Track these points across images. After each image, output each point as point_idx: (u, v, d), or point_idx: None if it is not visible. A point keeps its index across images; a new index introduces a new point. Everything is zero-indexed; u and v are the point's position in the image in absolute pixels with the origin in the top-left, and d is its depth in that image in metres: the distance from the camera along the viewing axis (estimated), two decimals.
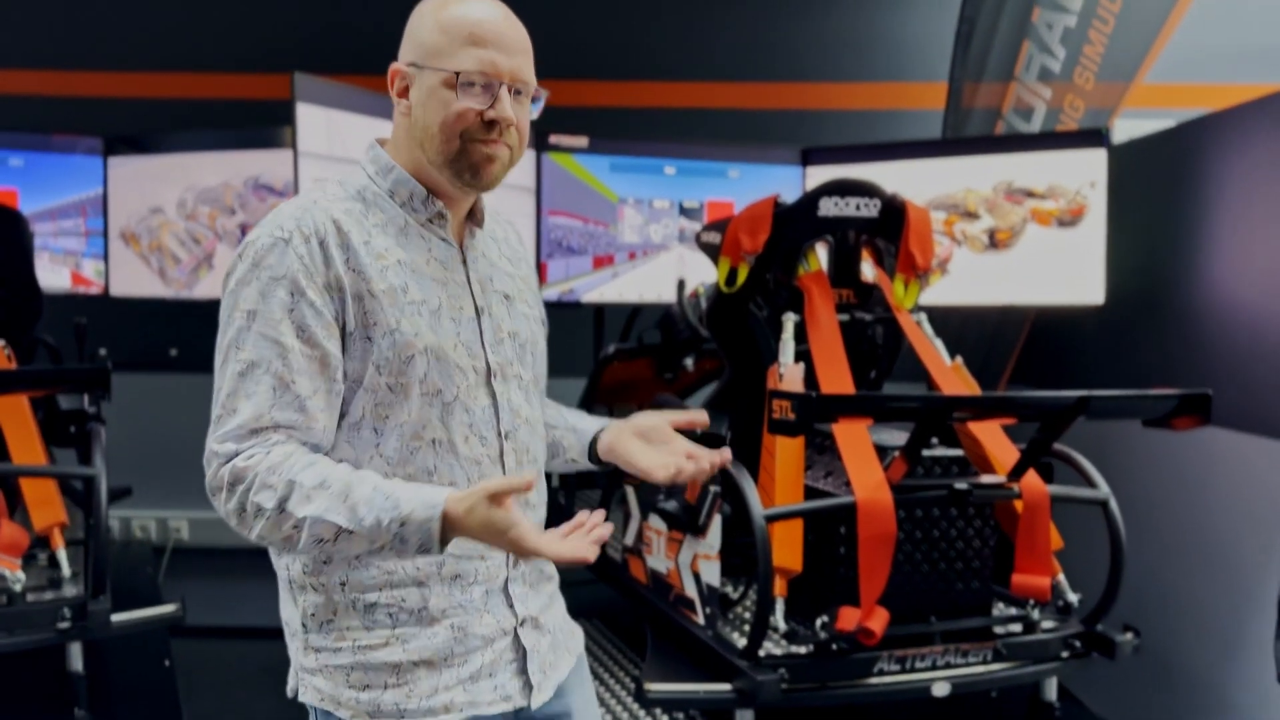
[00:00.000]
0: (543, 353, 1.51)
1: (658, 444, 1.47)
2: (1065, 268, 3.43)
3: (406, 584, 1.33)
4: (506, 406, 1.39)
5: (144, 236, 3.75)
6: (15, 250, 2.81)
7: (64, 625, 2.37)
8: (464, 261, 1.40)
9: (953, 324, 3.85)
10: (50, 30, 4.33)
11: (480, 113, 1.31)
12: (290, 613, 1.40)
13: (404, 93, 1.35)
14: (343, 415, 1.32)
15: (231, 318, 1.29)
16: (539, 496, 1.47)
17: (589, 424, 1.58)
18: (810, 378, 2.42)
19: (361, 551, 1.25)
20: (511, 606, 1.39)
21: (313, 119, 2.96)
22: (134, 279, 3.79)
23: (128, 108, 4.30)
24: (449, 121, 1.31)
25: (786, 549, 2.19)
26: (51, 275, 3.74)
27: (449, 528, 1.21)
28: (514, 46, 1.33)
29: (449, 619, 1.35)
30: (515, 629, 1.40)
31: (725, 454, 1.46)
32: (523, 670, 1.39)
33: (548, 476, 1.77)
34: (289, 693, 1.42)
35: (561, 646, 1.49)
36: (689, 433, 1.52)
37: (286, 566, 1.39)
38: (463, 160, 1.32)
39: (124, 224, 3.78)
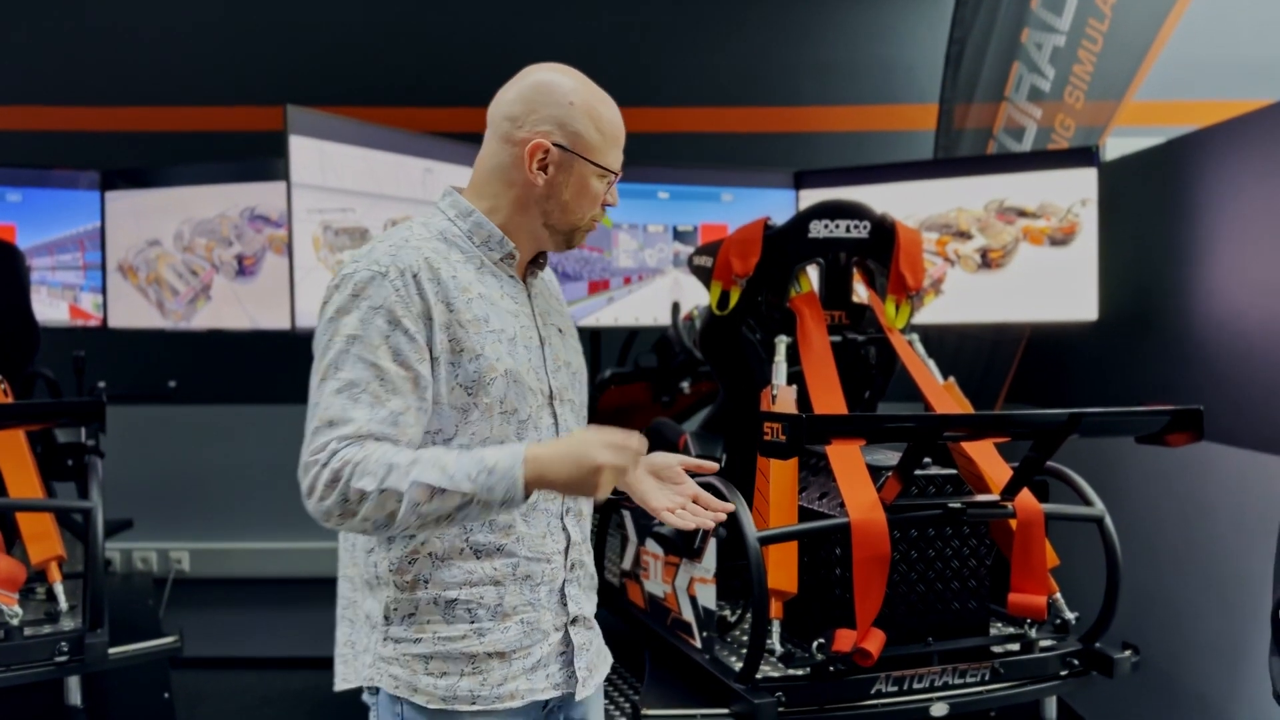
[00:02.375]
0: (585, 384, 1.69)
1: (668, 483, 1.60)
2: (1058, 285, 3.44)
3: (485, 583, 1.49)
4: (565, 426, 1.57)
5: (142, 269, 3.77)
6: (11, 285, 2.82)
7: (61, 659, 2.37)
8: (529, 296, 1.58)
9: (949, 344, 3.86)
10: (46, 66, 4.38)
11: (604, 199, 1.56)
12: (372, 606, 1.54)
13: (544, 167, 1.51)
14: (429, 433, 1.47)
15: (332, 342, 1.43)
16: (587, 507, 1.63)
17: None
18: (803, 399, 2.42)
19: (453, 510, 1.37)
20: (565, 605, 1.55)
21: (305, 150, 2.99)
22: (132, 311, 3.81)
23: (124, 142, 4.33)
24: (587, 204, 1.54)
25: (782, 571, 2.19)
26: (50, 309, 3.76)
27: (531, 473, 1.36)
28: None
29: (519, 615, 1.51)
30: (567, 625, 1.55)
31: (713, 467, 1.61)
32: (569, 663, 1.55)
33: None
34: (342, 685, 1.54)
35: (602, 652, 1.65)
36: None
37: (375, 564, 1.53)
38: (576, 234, 1.57)
39: (122, 257, 3.80)
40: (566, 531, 1.56)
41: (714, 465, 1.62)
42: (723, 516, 1.56)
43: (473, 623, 1.49)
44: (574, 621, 1.56)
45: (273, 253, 3.53)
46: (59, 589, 2.49)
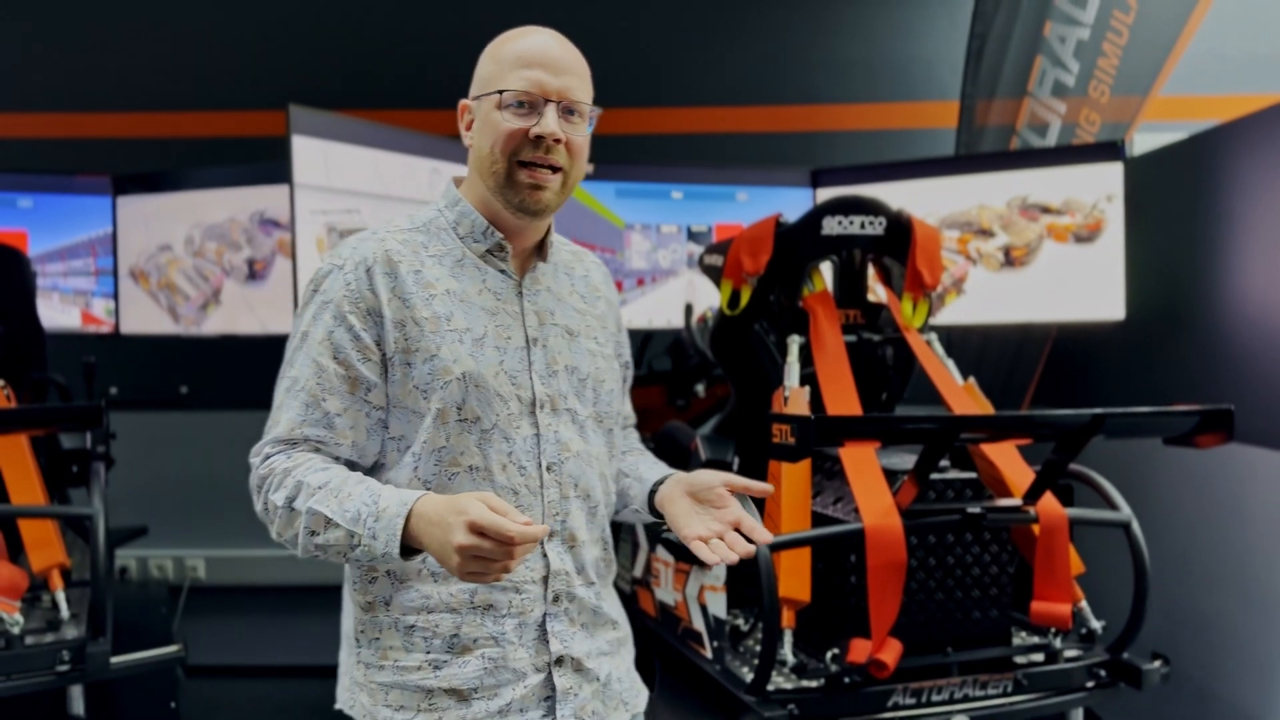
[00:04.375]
0: (611, 392, 1.49)
1: (707, 505, 1.39)
2: (1084, 283, 3.35)
3: (440, 609, 1.34)
4: (552, 438, 1.39)
5: (153, 274, 3.75)
6: (16, 289, 2.81)
7: (63, 668, 2.34)
8: (519, 293, 1.42)
9: (972, 345, 3.78)
10: (57, 73, 4.39)
11: (526, 130, 1.33)
12: (349, 625, 1.44)
13: (469, 126, 1.41)
14: (393, 439, 1.37)
15: (292, 337, 1.39)
16: (588, 534, 1.43)
17: (653, 473, 1.54)
18: (817, 401, 2.35)
19: (345, 549, 1.25)
20: (546, 643, 1.37)
21: (309, 151, 2.95)
22: (144, 317, 3.79)
23: (135, 147, 4.33)
24: (498, 142, 1.34)
25: (794, 579, 2.11)
26: (62, 315, 3.75)
27: (411, 533, 1.21)
28: (562, 66, 1.36)
29: (480, 649, 1.35)
30: (549, 666, 1.38)
31: (767, 489, 1.39)
32: (551, 711, 1.37)
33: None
34: (339, 705, 1.45)
35: (615, 699, 1.45)
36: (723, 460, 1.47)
37: (350, 583, 1.44)
38: (511, 186, 1.35)
39: (133, 262, 3.79)
40: (546, 559, 1.38)
41: (768, 488, 1.40)
42: (751, 551, 1.32)
43: (428, 653, 1.35)
44: (558, 662, 1.38)
45: (282, 256, 3.50)
46: (60, 597, 2.46)
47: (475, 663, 1.35)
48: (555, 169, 1.36)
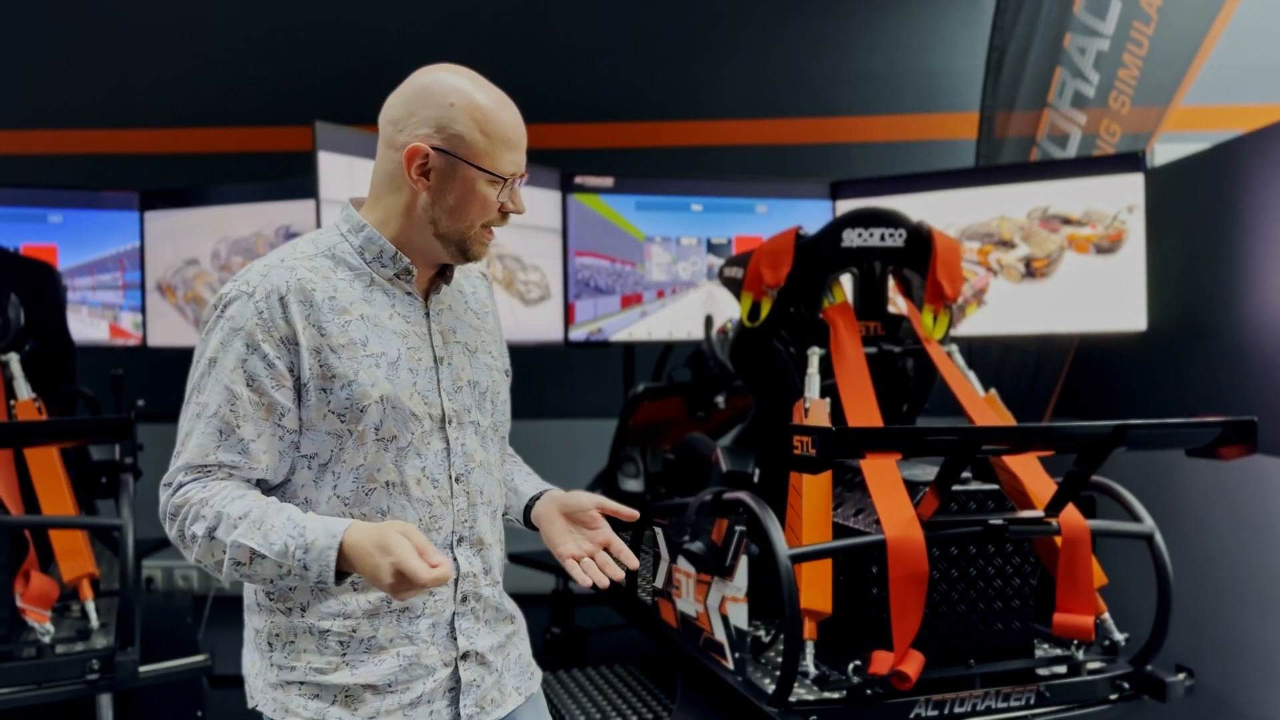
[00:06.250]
0: (504, 401, 1.58)
1: (580, 526, 1.51)
2: (1105, 294, 3.34)
3: (359, 615, 1.42)
4: (460, 451, 1.47)
5: (180, 288, 3.80)
6: (49, 304, 2.85)
7: (92, 676, 2.36)
8: (427, 314, 1.48)
9: (993, 356, 3.77)
10: (85, 91, 4.46)
11: (502, 205, 1.43)
12: (255, 631, 1.47)
13: (424, 172, 1.40)
14: (305, 457, 1.41)
15: (197, 364, 1.40)
16: (492, 536, 1.53)
17: (529, 487, 1.64)
18: (837, 413, 2.36)
19: (273, 577, 1.32)
20: (455, 640, 1.47)
21: (334, 167, 2.99)
22: (170, 330, 3.84)
23: (162, 163, 4.39)
24: (481, 214, 1.42)
25: (815, 590, 2.12)
26: (91, 328, 3.81)
27: (344, 561, 1.28)
28: (524, 145, 1.45)
29: (396, 648, 1.43)
30: (456, 661, 1.47)
31: (632, 514, 1.50)
32: (454, 702, 1.47)
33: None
34: (252, 705, 1.49)
35: (509, 686, 1.55)
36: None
37: (254, 591, 1.46)
38: (469, 243, 1.44)
39: (160, 276, 3.84)
40: (457, 563, 1.46)
41: (633, 513, 1.50)
42: (619, 574, 1.45)
43: (344, 654, 1.42)
44: (464, 657, 1.47)
45: None
46: (90, 606, 2.49)
47: (391, 660, 1.43)
48: None
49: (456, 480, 1.46)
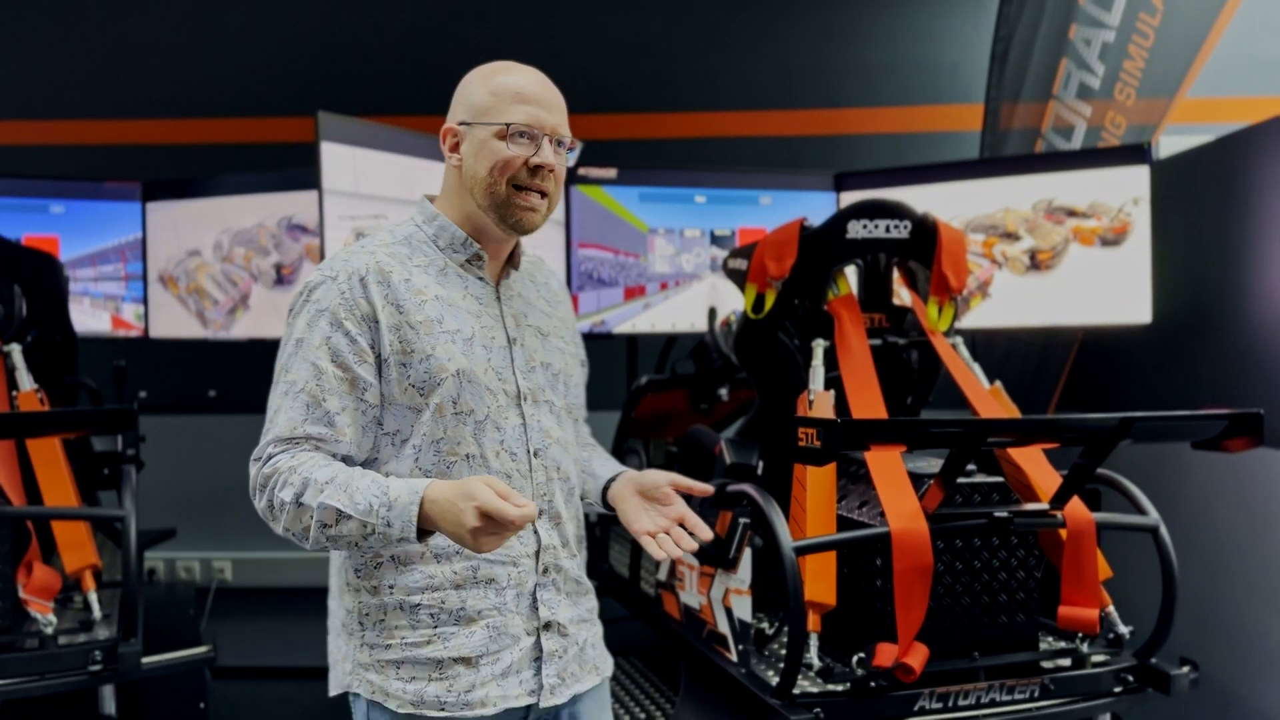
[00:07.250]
0: (578, 385, 1.67)
1: (654, 503, 1.57)
2: (1110, 287, 3.33)
3: (446, 587, 1.48)
4: (536, 427, 1.54)
5: (182, 279, 3.79)
6: (51, 295, 2.84)
7: (95, 668, 2.37)
8: (498, 298, 1.57)
9: (997, 348, 3.76)
10: (87, 81, 4.44)
11: (526, 160, 1.49)
12: (346, 612, 1.54)
13: (455, 148, 1.54)
14: (388, 434, 1.49)
15: (285, 345, 1.49)
16: (571, 510, 1.61)
17: (606, 470, 1.71)
18: (841, 405, 2.35)
19: (358, 538, 1.37)
20: (536, 610, 1.53)
21: (338, 157, 2.98)
22: (173, 321, 3.84)
23: (164, 153, 4.38)
24: (498, 167, 1.49)
25: (819, 582, 2.11)
26: (93, 319, 3.80)
27: (425, 516, 1.34)
28: (554, 105, 1.53)
29: (485, 619, 1.49)
30: (539, 630, 1.54)
31: (706, 489, 1.56)
32: (539, 671, 1.53)
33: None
34: (334, 690, 1.58)
35: (589, 662, 1.62)
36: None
37: (343, 570, 1.54)
38: (507, 207, 1.50)
39: (162, 267, 3.83)
40: (538, 535, 1.53)
41: (707, 488, 1.57)
42: (694, 546, 1.51)
43: (436, 627, 1.48)
44: (546, 627, 1.54)
45: (310, 262, 3.54)
46: (93, 597, 2.49)
47: (480, 632, 1.49)
48: (543, 194, 1.52)
49: (535, 455, 1.54)
